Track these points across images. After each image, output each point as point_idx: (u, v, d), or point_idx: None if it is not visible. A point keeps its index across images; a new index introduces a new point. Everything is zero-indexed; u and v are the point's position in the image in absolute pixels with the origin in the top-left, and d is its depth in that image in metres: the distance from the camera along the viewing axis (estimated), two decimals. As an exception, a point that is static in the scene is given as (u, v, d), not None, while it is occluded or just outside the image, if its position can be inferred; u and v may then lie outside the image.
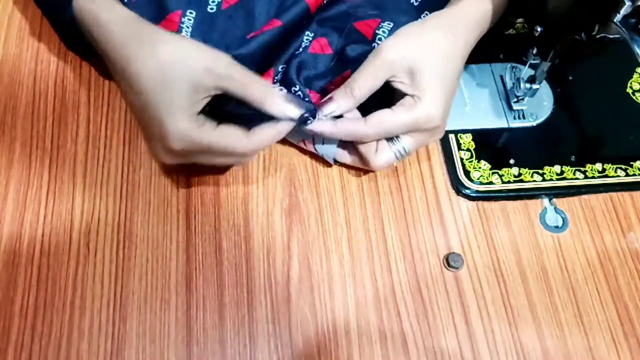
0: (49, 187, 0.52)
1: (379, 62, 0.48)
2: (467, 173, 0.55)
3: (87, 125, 0.55)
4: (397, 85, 0.49)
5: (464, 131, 0.57)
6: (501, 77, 0.61)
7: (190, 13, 0.53)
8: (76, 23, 0.49)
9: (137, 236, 0.50)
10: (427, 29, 0.50)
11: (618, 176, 0.56)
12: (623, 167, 0.57)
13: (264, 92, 0.47)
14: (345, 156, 0.53)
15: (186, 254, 0.50)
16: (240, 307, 0.48)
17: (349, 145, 0.53)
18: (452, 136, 0.57)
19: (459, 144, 0.57)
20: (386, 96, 0.51)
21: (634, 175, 0.56)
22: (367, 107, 0.50)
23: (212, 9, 0.54)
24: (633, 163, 0.57)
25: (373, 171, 0.54)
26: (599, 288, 0.51)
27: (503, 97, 0.60)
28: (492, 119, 0.58)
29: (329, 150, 0.53)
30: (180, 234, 0.51)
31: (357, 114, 0.50)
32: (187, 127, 0.45)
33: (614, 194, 0.56)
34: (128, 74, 0.45)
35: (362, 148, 0.51)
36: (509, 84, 0.60)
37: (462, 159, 0.56)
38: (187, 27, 0.53)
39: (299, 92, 0.51)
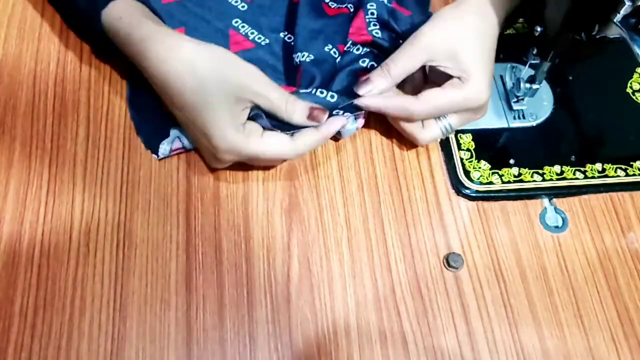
0: (49, 187, 0.52)
1: (418, 46, 0.50)
2: (467, 173, 0.55)
3: (87, 125, 0.55)
4: (441, 68, 0.51)
5: (464, 131, 0.57)
6: (501, 77, 0.61)
7: None
8: (107, 37, 0.51)
9: (137, 236, 0.50)
10: (462, 12, 0.51)
11: (618, 176, 0.56)
12: (623, 167, 0.57)
13: (292, 105, 0.49)
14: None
15: (186, 254, 0.50)
16: (240, 307, 0.48)
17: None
18: (452, 136, 0.57)
19: (459, 144, 0.57)
20: None
21: (634, 175, 0.56)
22: None
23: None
24: (633, 163, 0.57)
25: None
26: (599, 288, 0.51)
27: (503, 97, 0.60)
28: (492, 119, 0.58)
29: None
30: (180, 234, 0.51)
31: (401, 92, 0.53)
32: (234, 140, 0.47)
33: (614, 194, 0.56)
34: (170, 91, 0.47)
35: (408, 124, 0.53)
36: (509, 84, 0.60)
37: (462, 159, 0.56)
38: None
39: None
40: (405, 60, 0.50)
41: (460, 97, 0.50)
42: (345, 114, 0.52)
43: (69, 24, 0.59)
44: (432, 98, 0.50)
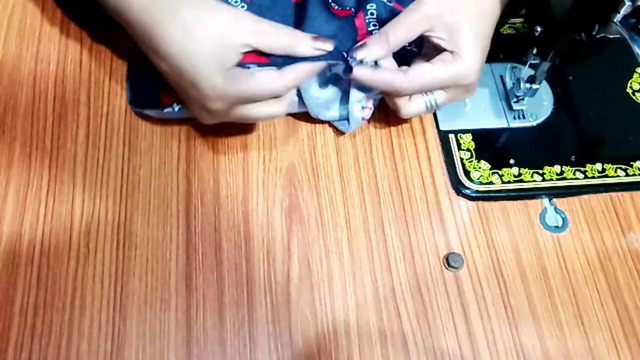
0: (49, 187, 0.52)
1: (418, 14, 0.49)
2: (467, 173, 0.55)
3: (87, 125, 0.55)
4: (435, 40, 0.50)
5: (464, 131, 0.57)
6: (501, 77, 0.61)
7: None
8: (96, 2, 0.49)
9: (137, 236, 0.50)
10: None
11: (618, 176, 0.56)
12: (623, 167, 0.57)
13: (294, 37, 0.47)
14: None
15: (186, 254, 0.50)
16: (240, 307, 0.48)
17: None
18: (452, 136, 0.57)
19: (459, 144, 0.57)
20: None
21: (634, 175, 0.56)
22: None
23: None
24: (633, 163, 0.57)
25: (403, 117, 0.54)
26: (599, 288, 0.51)
27: (503, 97, 0.60)
28: (492, 119, 0.58)
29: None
30: (180, 234, 0.51)
31: (395, 65, 0.51)
32: (223, 85, 0.45)
33: (614, 194, 0.56)
34: (155, 41, 0.45)
35: (394, 97, 0.52)
36: (509, 84, 0.60)
37: (462, 159, 0.56)
38: None
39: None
40: (406, 29, 0.49)
41: (448, 74, 0.49)
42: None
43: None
44: (420, 76, 0.49)
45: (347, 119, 0.54)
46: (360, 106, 0.53)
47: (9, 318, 0.46)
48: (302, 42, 0.48)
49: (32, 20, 0.60)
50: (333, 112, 0.55)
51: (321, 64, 0.49)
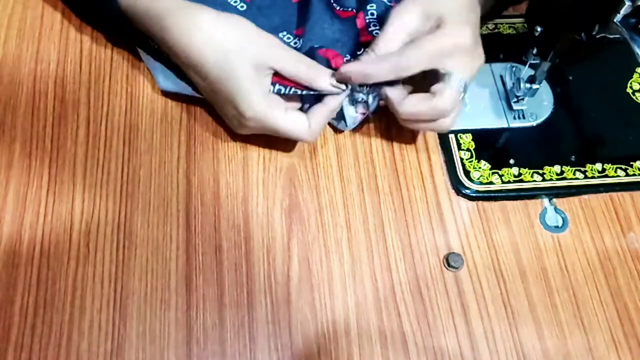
0: (49, 187, 0.52)
1: (397, 25, 0.49)
2: (467, 173, 0.55)
3: (87, 125, 0.55)
4: (422, 34, 0.49)
5: (464, 131, 0.57)
6: (501, 77, 0.61)
7: None
8: (123, 16, 0.51)
9: (137, 236, 0.50)
10: None
11: (618, 176, 0.56)
12: (623, 167, 0.57)
13: (314, 71, 0.50)
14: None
15: (186, 254, 0.50)
16: (240, 307, 0.48)
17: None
18: (452, 136, 0.57)
19: (459, 144, 0.57)
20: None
21: (634, 175, 0.56)
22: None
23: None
24: (633, 163, 0.57)
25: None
26: (599, 288, 0.51)
27: (503, 97, 0.60)
28: (492, 119, 0.58)
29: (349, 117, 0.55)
30: (180, 234, 0.51)
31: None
32: (259, 108, 0.48)
33: (614, 194, 0.56)
34: (192, 62, 0.48)
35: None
36: (509, 84, 0.60)
37: (462, 159, 0.56)
38: None
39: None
40: (388, 41, 0.49)
41: (440, 42, 0.48)
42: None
43: (78, 11, 0.59)
44: (417, 48, 0.48)
45: (344, 118, 0.54)
46: (355, 106, 0.53)
47: (9, 318, 0.46)
48: (321, 78, 0.50)
49: (32, 20, 0.60)
50: None
51: (339, 102, 0.51)
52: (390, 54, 0.49)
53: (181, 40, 0.47)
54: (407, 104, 0.50)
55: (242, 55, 0.47)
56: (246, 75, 0.47)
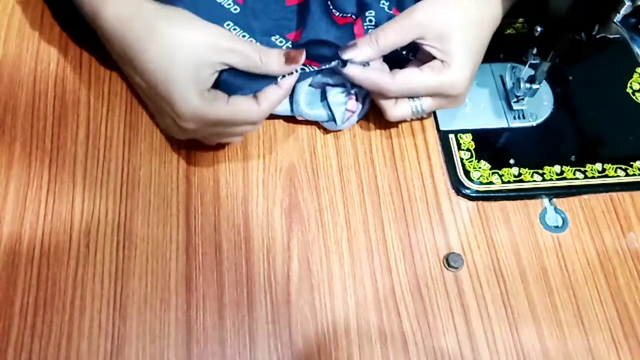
0: (49, 187, 0.52)
1: (409, 21, 0.49)
2: (467, 173, 0.55)
3: (87, 125, 0.55)
4: (427, 48, 0.50)
5: (464, 131, 0.57)
6: (501, 77, 0.61)
7: None
8: (72, 3, 0.49)
9: (137, 236, 0.50)
10: None
11: (618, 176, 0.56)
12: (623, 167, 0.57)
13: (266, 57, 0.47)
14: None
15: (186, 254, 0.50)
16: (240, 307, 0.48)
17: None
18: (452, 136, 0.57)
19: (459, 144, 0.57)
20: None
21: (634, 175, 0.56)
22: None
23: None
24: (633, 163, 0.57)
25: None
26: (599, 288, 0.51)
27: (503, 97, 0.60)
28: (492, 119, 0.58)
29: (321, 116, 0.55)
30: (180, 234, 0.51)
31: (385, 67, 0.51)
32: (199, 106, 0.45)
33: (614, 194, 0.56)
34: (131, 55, 0.45)
35: (381, 99, 0.52)
36: (509, 84, 0.60)
37: (462, 159, 0.56)
38: None
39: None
40: (396, 34, 0.49)
41: (435, 82, 0.49)
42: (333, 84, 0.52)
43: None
44: (407, 80, 0.49)
45: (333, 118, 0.54)
46: (342, 106, 0.53)
47: (9, 318, 0.46)
48: (273, 59, 0.47)
49: (32, 20, 0.60)
50: (316, 111, 0.55)
51: (292, 81, 0.49)
52: (403, 75, 0.50)
53: (120, 29, 0.44)
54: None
55: (184, 49, 0.44)
56: (187, 71, 0.44)
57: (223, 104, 0.47)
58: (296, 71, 0.49)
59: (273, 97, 0.48)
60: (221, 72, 0.47)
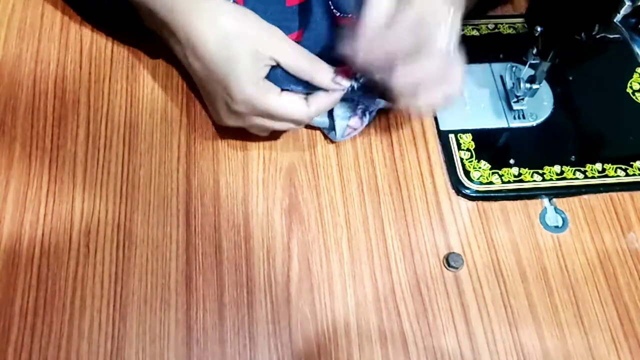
0: (49, 187, 0.52)
1: None
2: (467, 173, 0.55)
3: (87, 125, 0.55)
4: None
5: (464, 131, 0.57)
6: (501, 77, 0.61)
7: None
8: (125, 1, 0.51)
9: (137, 236, 0.50)
10: None
11: (618, 176, 0.56)
12: (623, 167, 0.57)
13: (316, 66, 0.49)
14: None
15: (186, 254, 0.50)
16: (240, 307, 0.48)
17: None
18: (452, 136, 0.57)
19: (459, 144, 0.57)
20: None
21: (634, 175, 0.56)
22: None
23: None
24: (633, 163, 0.57)
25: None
26: (599, 288, 0.51)
27: (503, 97, 0.60)
28: (492, 119, 0.58)
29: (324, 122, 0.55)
30: (180, 234, 0.51)
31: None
32: (252, 93, 0.48)
33: (614, 194, 0.56)
34: (192, 41, 0.48)
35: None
36: (509, 84, 0.60)
37: (462, 159, 0.56)
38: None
39: None
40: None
41: (409, 17, 0.45)
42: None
43: (77, 4, 0.59)
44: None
45: (334, 128, 0.54)
46: (345, 121, 0.53)
47: (9, 318, 0.46)
48: (321, 73, 0.49)
49: (32, 20, 0.60)
50: (320, 118, 0.54)
51: (341, 94, 0.50)
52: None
53: (185, 20, 0.48)
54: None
55: (242, 40, 0.47)
56: (244, 59, 0.47)
57: (275, 96, 0.49)
58: (344, 89, 0.50)
59: (322, 103, 0.50)
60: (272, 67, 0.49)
